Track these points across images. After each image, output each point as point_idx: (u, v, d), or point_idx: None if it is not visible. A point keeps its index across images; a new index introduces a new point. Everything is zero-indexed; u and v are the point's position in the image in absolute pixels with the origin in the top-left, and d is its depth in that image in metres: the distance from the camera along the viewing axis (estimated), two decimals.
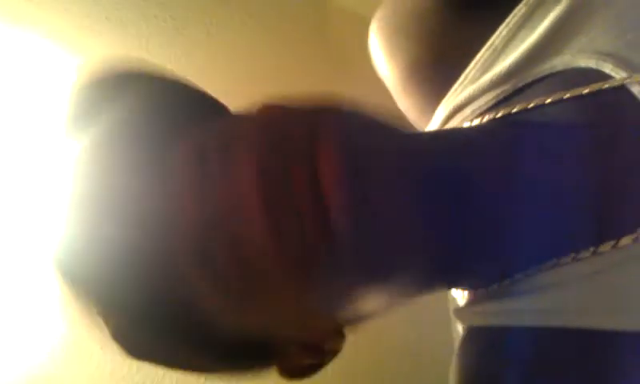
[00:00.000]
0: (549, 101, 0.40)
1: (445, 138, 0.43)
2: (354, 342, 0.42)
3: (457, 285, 0.44)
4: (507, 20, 0.43)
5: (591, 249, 0.36)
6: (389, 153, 0.34)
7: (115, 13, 1.04)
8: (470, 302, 0.44)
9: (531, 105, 0.40)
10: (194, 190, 0.34)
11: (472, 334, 0.42)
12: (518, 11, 0.43)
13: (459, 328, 0.46)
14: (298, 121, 0.34)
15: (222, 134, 0.35)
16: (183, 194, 0.34)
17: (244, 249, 0.33)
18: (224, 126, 0.37)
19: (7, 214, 0.88)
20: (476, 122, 0.44)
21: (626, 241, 0.35)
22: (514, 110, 0.41)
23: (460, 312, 0.44)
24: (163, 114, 0.39)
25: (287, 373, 0.42)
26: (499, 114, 0.42)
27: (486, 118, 0.43)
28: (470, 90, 0.44)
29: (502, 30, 0.43)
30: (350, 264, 0.33)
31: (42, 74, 0.96)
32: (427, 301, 0.42)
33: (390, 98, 0.54)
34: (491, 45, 0.44)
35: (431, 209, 0.35)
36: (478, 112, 0.44)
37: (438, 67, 0.47)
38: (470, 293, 0.44)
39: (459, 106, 0.45)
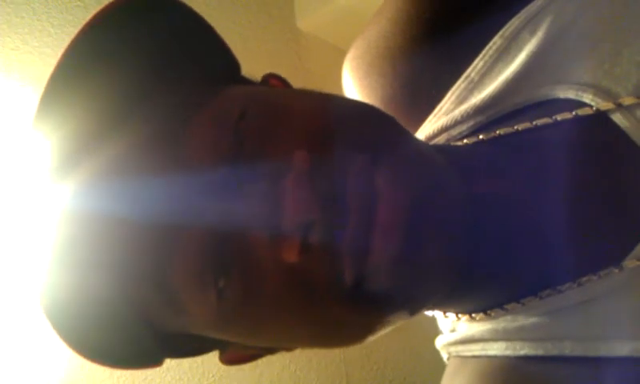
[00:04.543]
0: (529, 127, 0.40)
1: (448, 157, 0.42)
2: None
3: (442, 309, 0.43)
4: (483, 53, 0.43)
5: (589, 275, 0.36)
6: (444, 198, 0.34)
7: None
8: (456, 331, 0.43)
9: (510, 130, 0.40)
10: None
11: (459, 364, 0.41)
12: (494, 44, 0.42)
13: (444, 356, 0.45)
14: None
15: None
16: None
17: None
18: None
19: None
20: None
21: (630, 263, 0.35)
22: (492, 135, 0.41)
23: (446, 342, 0.43)
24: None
25: (228, 361, 0.43)
26: (479, 138, 0.42)
27: (464, 141, 0.43)
28: (444, 120, 0.44)
29: (478, 63, 0.43)
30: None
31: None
32: None
33: None
34: (467, 77, 0.43)
35: (460, 242, 0.35)
36: (452, 141, 0.44)
37: (412, 103, 0.47)
38: (454, 319, 0.43)
39: (432, 135, 0.45)
